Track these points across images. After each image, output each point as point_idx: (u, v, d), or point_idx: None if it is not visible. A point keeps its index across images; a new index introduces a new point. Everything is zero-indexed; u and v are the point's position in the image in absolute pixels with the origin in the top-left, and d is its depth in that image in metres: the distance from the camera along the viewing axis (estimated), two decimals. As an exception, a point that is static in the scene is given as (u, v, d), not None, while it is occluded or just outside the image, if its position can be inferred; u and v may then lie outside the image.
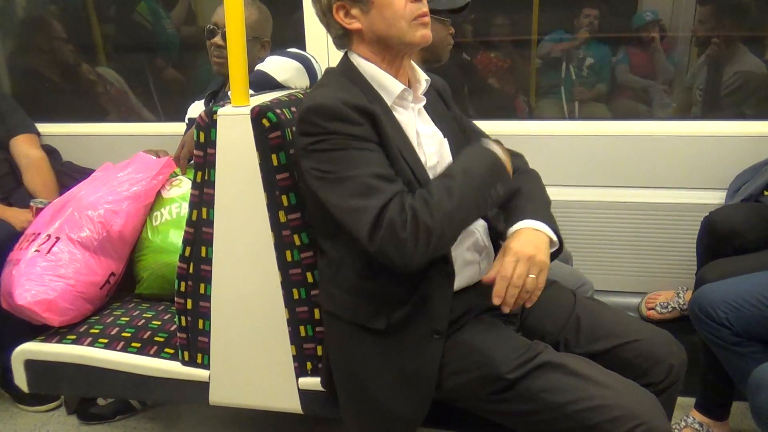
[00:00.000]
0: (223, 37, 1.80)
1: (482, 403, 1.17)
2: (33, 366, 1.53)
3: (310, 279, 1.31)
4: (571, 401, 1.06)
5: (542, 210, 1.19)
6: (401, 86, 1.18)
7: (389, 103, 1.17)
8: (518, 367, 1.10)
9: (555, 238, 1.15)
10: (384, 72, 1.18)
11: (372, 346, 1.18)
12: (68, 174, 2.23)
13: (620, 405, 1.05)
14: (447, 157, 1.24)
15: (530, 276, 1.07)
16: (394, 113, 1.18)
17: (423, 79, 1.25)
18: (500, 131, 1.12)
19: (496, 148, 1.13)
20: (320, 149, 1.08)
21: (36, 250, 1.58)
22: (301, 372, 1.38)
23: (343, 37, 1.20)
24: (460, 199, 1.05)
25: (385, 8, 1.13)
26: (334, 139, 1.07)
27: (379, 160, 1.09)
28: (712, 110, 2.56)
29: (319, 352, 1.35)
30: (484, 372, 1.13)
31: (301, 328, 1.34)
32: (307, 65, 1.67)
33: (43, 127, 2.29)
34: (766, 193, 1.79)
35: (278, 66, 1.62)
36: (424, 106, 1.27)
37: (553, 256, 1.16)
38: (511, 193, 1.20)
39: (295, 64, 1.64)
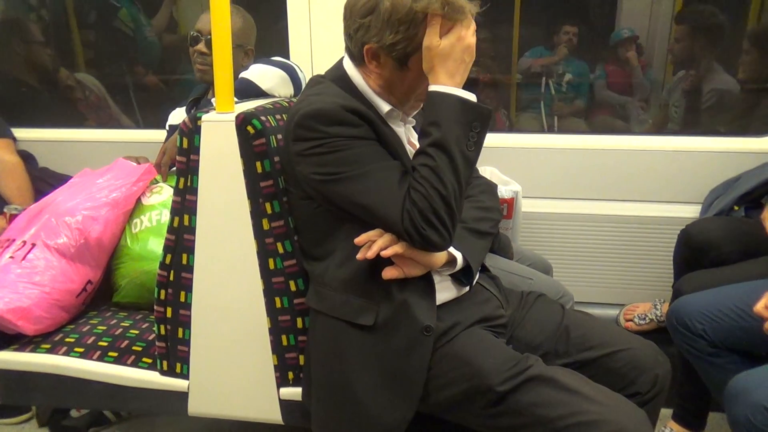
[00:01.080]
0: (207, 44, 1.79)
1: (472, 416, 1.16)
2: (5, 376, 1.49)
3: (293, 287, 1.30)
4: (562, 416, 1.07)
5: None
6: (388, 106, 1.19)
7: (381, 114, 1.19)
8: (508, 379, 1.11)
9: (460, 259, 1.18)
10: (375, 94, 1.19)
11: (359, 343, 1.17)
12: (44, 180, 2.18)
13: (610, 420, 1.05)
14: None
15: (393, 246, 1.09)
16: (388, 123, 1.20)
17: None
18: (482, 143, 1.14)
19: (453, 90, 1.09)
20: (319, 153, 1.09)
21: (10, 257, 1.54)
22: (282, 382, 1.36)
23: (356, 58, 1.18)
24: (447, 176, 1.05)
25: (413, 80, 1.15)
26: (335, 141, 1.08)
27: (385, 155, 1.12)
28: (687, 126, 2.62)
29: (302, 361, 1.34)
30: (474, 384, 1.13)
31: (283, 337, 1.33)
32: (292, 74, 1.67)
33: (20, 132, 2.25)
34: (736, 207, 1.83)
35: (262, 74, 1.61)
36: (413, 127, 1.29)
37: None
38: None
39: (279, 73, 1.63)
